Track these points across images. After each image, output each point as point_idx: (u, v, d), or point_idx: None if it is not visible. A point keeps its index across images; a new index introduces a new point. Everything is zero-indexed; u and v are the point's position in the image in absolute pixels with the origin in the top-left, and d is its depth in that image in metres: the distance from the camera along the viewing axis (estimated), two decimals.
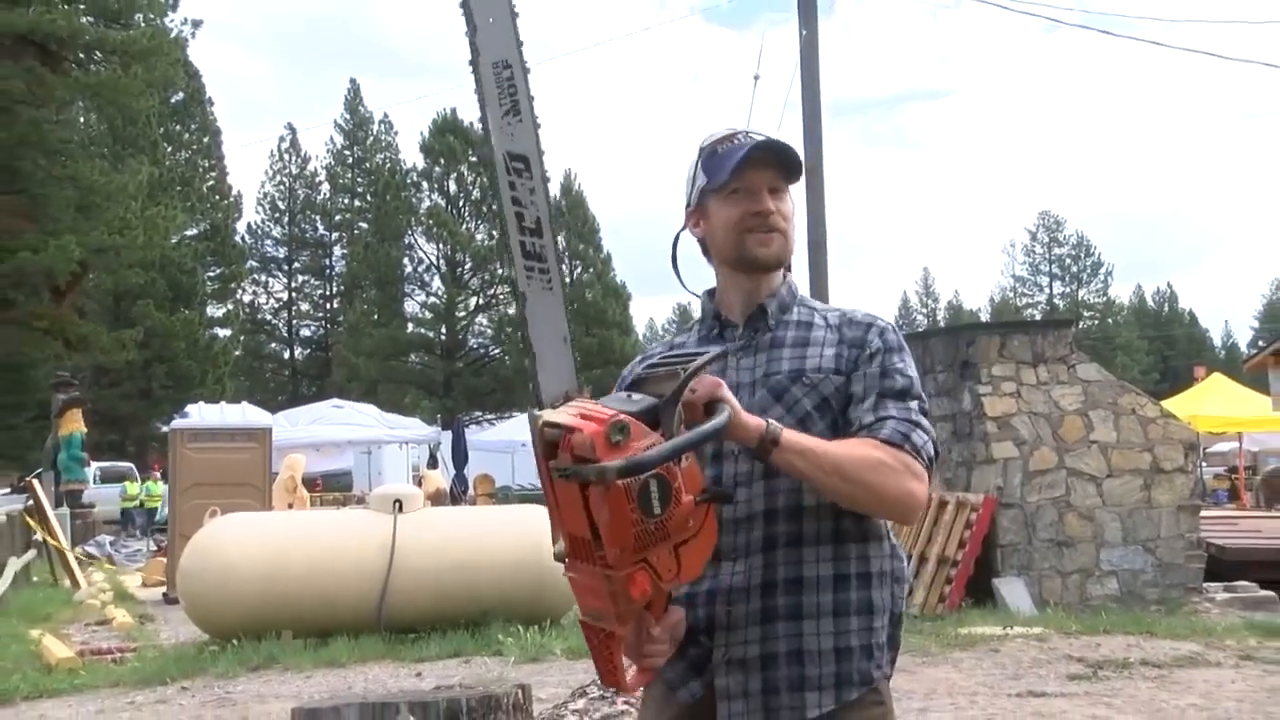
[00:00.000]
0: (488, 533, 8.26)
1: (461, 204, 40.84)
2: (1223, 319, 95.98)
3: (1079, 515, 9.19)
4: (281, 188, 50.37)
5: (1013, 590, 8.82)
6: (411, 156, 44.68)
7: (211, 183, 42.88)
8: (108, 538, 18.30)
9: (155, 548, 17.41)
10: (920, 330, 46.05)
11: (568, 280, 42.95)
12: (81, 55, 25.12)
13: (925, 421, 1.77)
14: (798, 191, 1.91)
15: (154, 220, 26.03)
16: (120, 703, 6.09)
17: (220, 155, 43.98)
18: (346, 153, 51.15)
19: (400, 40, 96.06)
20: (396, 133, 50.91)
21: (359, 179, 50.16)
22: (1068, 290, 62.44)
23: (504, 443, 24.23)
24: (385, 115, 50.90)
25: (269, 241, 50.28)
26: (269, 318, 50.74)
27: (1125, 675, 6.27)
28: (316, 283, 51.10)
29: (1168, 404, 12.48)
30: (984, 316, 58.84)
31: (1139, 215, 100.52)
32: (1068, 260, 62.91)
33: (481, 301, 38.44)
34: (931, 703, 5.59)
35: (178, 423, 14.46)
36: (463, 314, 39.34)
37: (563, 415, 1.56)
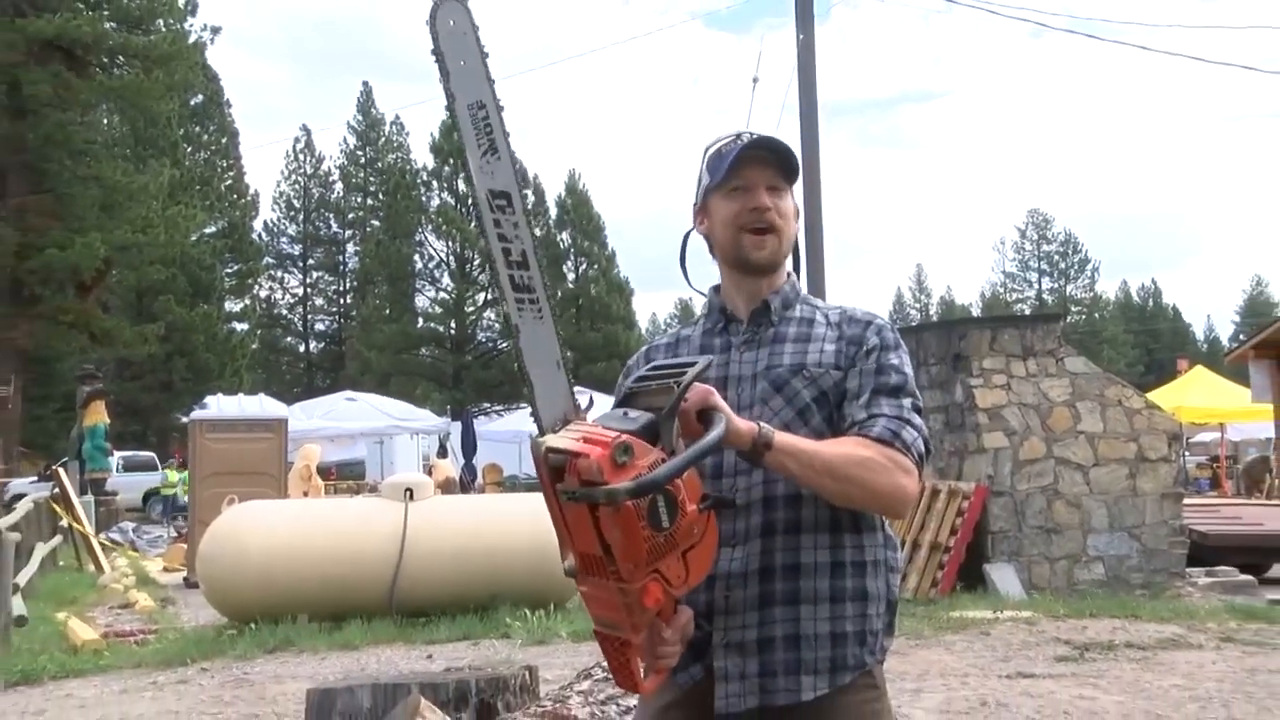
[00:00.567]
0: (496, 520, 8.32)
1: (470, 202, 40.78)
2: (1205, 314, 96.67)
3: (1067, 503, 9.27)
4: (297, 187, 50.89)
5: (1003, 575, 8.89)
6: (422, 156, 44.78)
7: (230, 182, 43.10)
8: (130, 524, 18.37)
9: (175, 534, 17.53)
10: (914, 324, 46.15)
11: (572, 278, 42.87)
12: (105, 60, 25.48)
13: (917, 419, 1.80)
14: (796, 190, 1.94)
15: (174, 219, 26.30)
16: (143, 683, 6.15)
17: (238, 156, 44.22)
18: (359, 153, 51.55)
19: (410, 45, 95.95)
20: (407, 134, 51.27)
21: (371, 178, 50.53)
22: (1056, 286, 62.04)
23: (511, 433, 24.23)
24: (396, 117, 51.28)
25: (285, 239, 50.78)
26: (285, 313, 51.21)
27: (1111, 657, 6.34)
28: (330, 279, 51.55)
29: (1152, 396, 12.49)
30: (975, 311, 58.12)
31: (1125, 213, 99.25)
32: (1056, 257, 62.52)
33: (490, 297, 38.49)
34: (924, 684, 5.66)
35: (197, 414, 14.77)
36: (471, 309, 39.38)
37: (565, 440, 1.58)
